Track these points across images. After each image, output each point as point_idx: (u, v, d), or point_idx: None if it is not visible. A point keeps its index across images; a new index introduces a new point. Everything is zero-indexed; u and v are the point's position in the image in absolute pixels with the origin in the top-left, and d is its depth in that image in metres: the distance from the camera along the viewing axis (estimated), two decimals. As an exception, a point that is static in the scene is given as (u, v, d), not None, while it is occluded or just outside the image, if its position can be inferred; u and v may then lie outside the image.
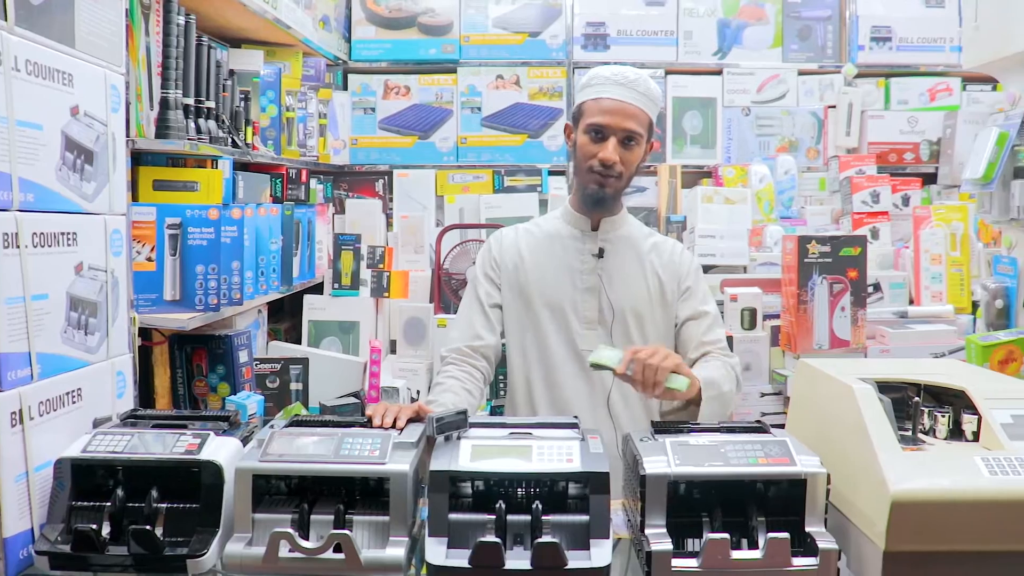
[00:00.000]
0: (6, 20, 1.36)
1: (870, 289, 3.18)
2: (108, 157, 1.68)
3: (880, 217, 3.59)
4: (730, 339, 2.88)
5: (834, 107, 3.89)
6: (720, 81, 3.89)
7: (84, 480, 1.41)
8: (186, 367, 2.31)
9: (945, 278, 3.23)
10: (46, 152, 1.46)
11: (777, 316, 3.00)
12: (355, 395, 2.61)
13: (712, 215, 3.39)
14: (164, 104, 2.04)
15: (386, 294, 3.16)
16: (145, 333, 2.23)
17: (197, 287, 2.11)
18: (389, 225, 3.68)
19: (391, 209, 3.79)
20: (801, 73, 3.91)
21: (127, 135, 1.91)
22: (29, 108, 1.41)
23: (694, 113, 3.88)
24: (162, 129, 2.03)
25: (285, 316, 3.39)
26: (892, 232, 3.61)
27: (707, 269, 3.31)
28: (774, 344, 3.00)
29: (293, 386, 2.51)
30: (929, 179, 3.88)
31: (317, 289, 3.19)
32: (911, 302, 3.24)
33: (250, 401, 2.03)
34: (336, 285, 3.13)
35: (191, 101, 2.16)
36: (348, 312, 3.10)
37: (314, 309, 3.11)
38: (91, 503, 1.39)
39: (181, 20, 2.07)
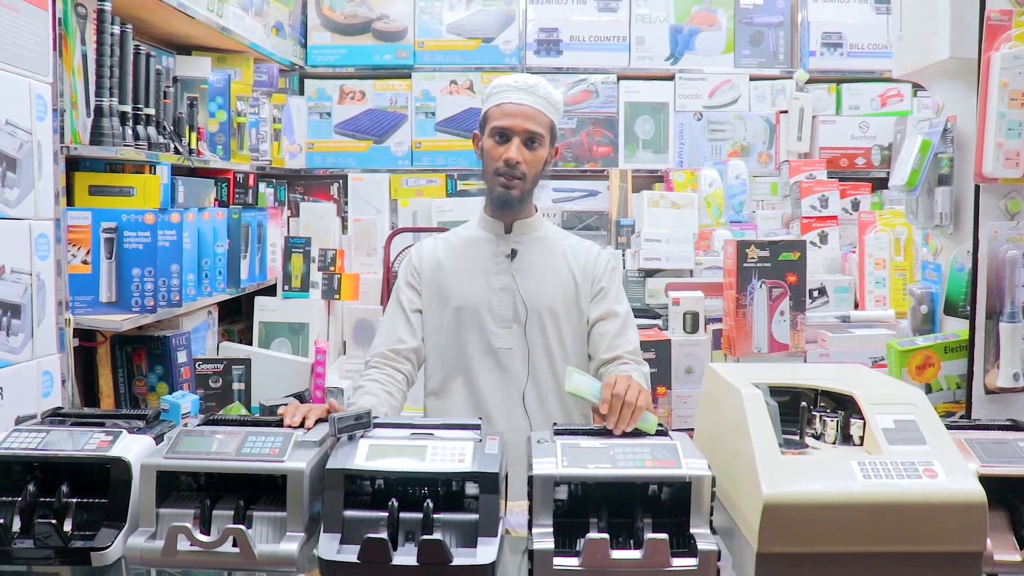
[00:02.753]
0: (-81, 33, 1.41)
1: (815, 293, 3.24)
2: (33, 164, 1.73)
3: (829, 221, 3.65)
4: (668, 343, 2.95)
5: (786, 112, 3.94)
6: (672, 86, 3.95)
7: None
8: (127, 367, 2.36)
9: (889, 283, 3.29)
10: (-37, 160, 1.52)
11: (721, 320, 3.05)
12: (298, 396, 2.66)
13: (658, 219, 3.45)
14: (98, 111, 2.09)
15: (337, 296, 3.21)
16: (90, 334, 2.28)
17: (133, 289, 2.16)
18: (344, 228, 3.73)
19: (346, 212, 3.83)
20: (753, 78, 3.97)
21: (62, 142, 1.95)
22: (-57, 118, 1.46)
23: (646, 118, 3.94)
24: (96, 136, 2.08)
25: (242, 317, 3.43)
26: (842, 236, 3.67)
27: (652, 273, 3.37)
28: (716, 347, 3.05)
29: (235, 386, 2.55)
30: (881, 184, 3.94)
31: (271, 291, 3.23)
32: (856, 306, 3.29)
33: (184, 400, 2.08)
34: (287, 287, 3.18)
35: (128, 108, 2.21)
36: (298, 314, 3.15)
37: (265, 311, 3.16)
38: (5, 498, 1.43)
39: (116, 29, 2.12)
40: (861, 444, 1.50)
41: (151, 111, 2.32)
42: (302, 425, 1.52)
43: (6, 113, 1.63)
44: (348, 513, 1.37)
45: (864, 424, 1.51)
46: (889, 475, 1.35)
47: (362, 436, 1.48)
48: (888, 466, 1.37)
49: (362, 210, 3.79)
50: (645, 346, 2.88)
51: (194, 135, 2.62)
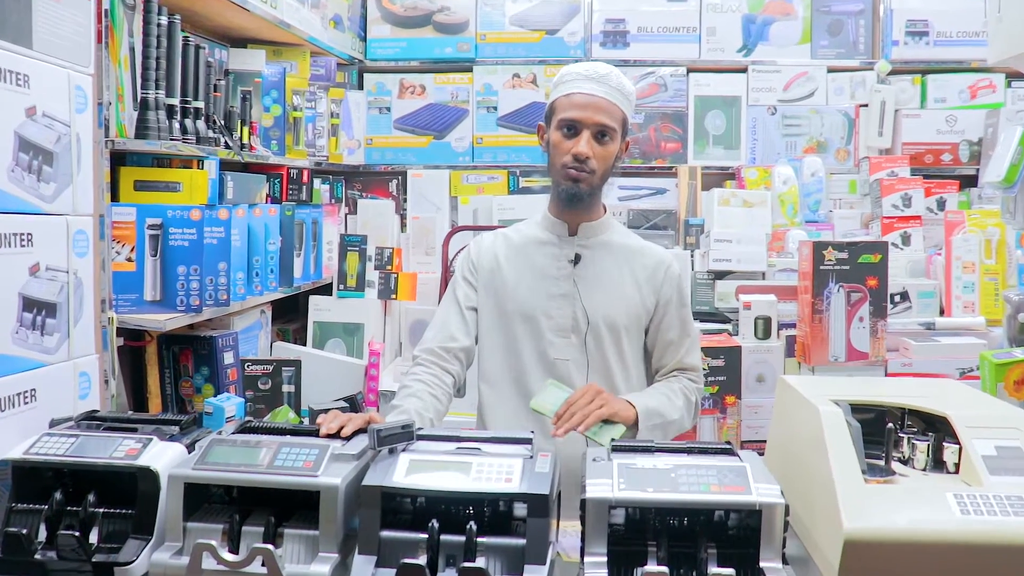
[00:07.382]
0: (-51, 20, 1.36)
1: (897, 298, 3.05)
2: (72, 158, 1.67)
3: (912, 222, 3.45)
4: (738, 350, 2.80)
5: (866, 106, 3.73)
6: (745, 79, 3.77)
7: (28, 482, 1.40)
8: (173, 367, 2.31)
9: (978, 287, 3.08)
10: (-5, 153, 1.46)
11: (795, 325, 2.89)
12: (350, 399, 2.57)
13: (729, 219, 3.30)
14: (144, 104, 2.03)
15: (394, 296, 3.13)
16: (138, 333, 2.23)
17: (179, 288, 2.10)
18: (403, 226, 3.65)
19: (405, 210, 3.76)
20: (831, 70, 3.77)
21: (107, 135, 1.90)
22: (-27, 109, 1.40)
23: (717, 112, 3.77)
24: (141, 129, 2.02)
25: (298, 316, 3.38)
26: (926, 238, 3.47)
27: (722, 275, 3.22)
28: (790, 355, 2.89)
29: (285, 388, 2.48)
30: (969, 182, 3.71)
31: (327, 290, 3.17)
32: (941, 313, 3.09)
33: (229, 403, 2.00)
34: (342, 286, 3.11)
35: (176, 101, 2.15)
36: (353, 314, 3.08)
37: (319, 310, 3.09)
38: (32, 505, 1.38)
39: (164, 20, 2.06)
40: (956, 472, 1.35)
41: (200, 104, 2.26)
42: (339, 433, 1.43)
43: (43, 105, 1.57)
44: (385, 534, 1.27)
45: (960, 449, 1.35)
46: (992, 511, 1.20)
47: (403, 449, 1.38)
48: (990, 500, 1.21)
49: (421, 207, 3.71)
50: (714, 352, 2.75)
51: (246, 129, 2.56)
